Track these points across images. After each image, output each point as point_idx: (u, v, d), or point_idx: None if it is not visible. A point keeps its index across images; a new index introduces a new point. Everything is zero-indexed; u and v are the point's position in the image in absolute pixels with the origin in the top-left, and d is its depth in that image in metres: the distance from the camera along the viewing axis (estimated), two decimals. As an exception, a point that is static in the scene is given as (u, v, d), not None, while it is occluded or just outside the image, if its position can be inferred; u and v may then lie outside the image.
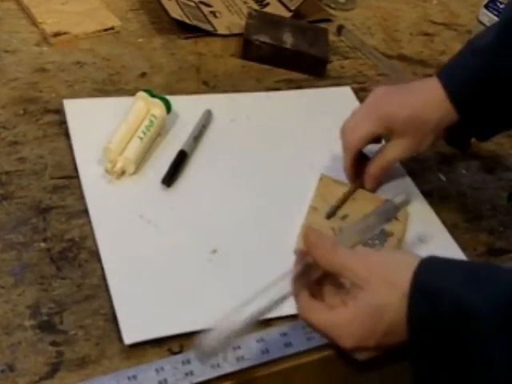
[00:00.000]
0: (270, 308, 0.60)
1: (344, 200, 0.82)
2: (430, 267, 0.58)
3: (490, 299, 0.53)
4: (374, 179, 0.83)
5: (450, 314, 0.54)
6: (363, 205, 0.82)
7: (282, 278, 0.61)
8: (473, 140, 0.97)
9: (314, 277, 0.61)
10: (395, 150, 0.80)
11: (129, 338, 0.64)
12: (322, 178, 0.85)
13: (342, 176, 0.86)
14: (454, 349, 0.54)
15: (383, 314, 0.57)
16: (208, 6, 1.10)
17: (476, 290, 0.54)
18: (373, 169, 0.82)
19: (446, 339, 0.54)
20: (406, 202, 0.70)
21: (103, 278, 0.69)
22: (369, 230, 0.67)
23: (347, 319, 0.58)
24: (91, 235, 0.73)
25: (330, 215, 0.80)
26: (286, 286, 0.60)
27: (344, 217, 0.81)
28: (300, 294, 0.60)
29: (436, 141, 0.82)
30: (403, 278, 0.57)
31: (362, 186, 0.84)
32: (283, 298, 0.60)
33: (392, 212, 0.68)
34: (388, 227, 0.78)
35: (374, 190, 0.84)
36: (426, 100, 0.78)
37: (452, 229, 0.84)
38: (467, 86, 0.76)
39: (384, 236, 0.78)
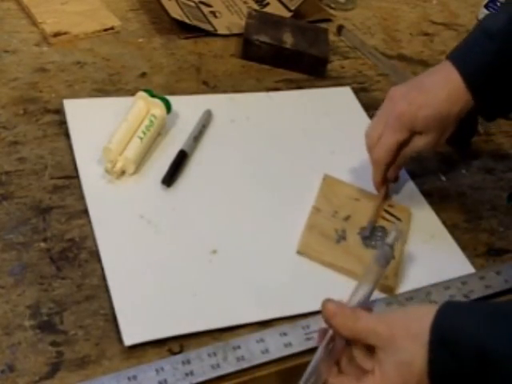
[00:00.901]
0: None
1: (377, 212, 0.82)
2: (446, 315, 0.56)
3: (510, 339, 0.53)
4: (398, 169, 0.83)
5: (471, 359, 0.53)
6: (365, 205, 0.82)
7: (313, 365, 0.60)
8: (473, 140, 0.98)
9: (339, 349, 0.60)
10: (418, 145, 0.79)
11: (129, 340, 0.64)
12: (325, 178, 0.85)
13: (343, 176, 0.86)
14: None
15: (412, 372, 0.55)
16: (208, 5, 1.10)
17: (495, 331, 0.54)
18: (398, 160, 0.81)
19: None
20: (398, 236, 0.69)
21: (103, 278, 0.69)
22: (373, 281, 0.65)
23: None
24: (91, 235, 0.73)
25: (369, 233, 0.79)
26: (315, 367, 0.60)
27: (347, 218, 0.80)
28: (328, 374, 0.59)
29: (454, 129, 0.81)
30: (424, 328, 0.55)
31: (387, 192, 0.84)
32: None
33: (389, 254, 0.67)
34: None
35: (395, 180, 0.84)
36: (447, 95, 0.76)
37: (452, 229, 0.84)
38: (483, 71, 0.75)
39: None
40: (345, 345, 0.60)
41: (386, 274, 0.74)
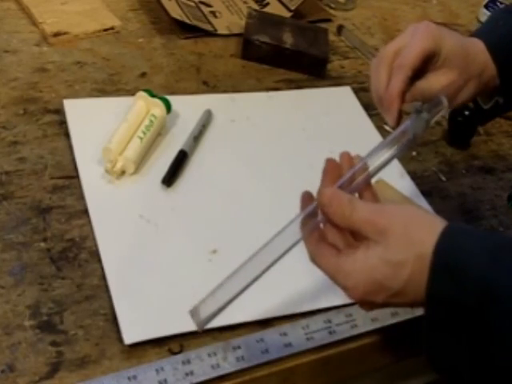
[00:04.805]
0: (277, 259, 0.57)
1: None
2: (454, 237, 0.54)
3: None
4: (410, 100, 0.70)
5: (473, 291, 0.51)
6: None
7: (289, 224, 0.57)
8: (473, 140, 0.98)
9: (323, 218, 0.57)
10: (440, 80, 0.70)
11: (129, 338, 0.64)
12: (378, 181, 0.81)
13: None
14: (475, 326, 0.52)
15: (397, 274, 0.53)
16: (208, 5, 1.10)
17: (501, 267, 0.52)
18: (413, 90, 0.70)
19: (468, 317, 0.52)
20: (438, 112, 0.63)
21: (103, 277, 0.69)
22: (392, 152, 0.60)
23: (355, 269, 0.54)
24: (91, 235, 0.73)
25: None
26: (294, 231, 0.57)
27: None
28: (309, 238, 0.57)
29: (475, 95, 0.74)
30: (424, 238, 0.53)
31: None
32: (292, 246, 0.57)
33: (420, 123, 0.61)
34: None
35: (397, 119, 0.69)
36: (471, 44, 0.72)
37: (452, 229, 0.84)
38: (505, 41, 0.72)
39: None
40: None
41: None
